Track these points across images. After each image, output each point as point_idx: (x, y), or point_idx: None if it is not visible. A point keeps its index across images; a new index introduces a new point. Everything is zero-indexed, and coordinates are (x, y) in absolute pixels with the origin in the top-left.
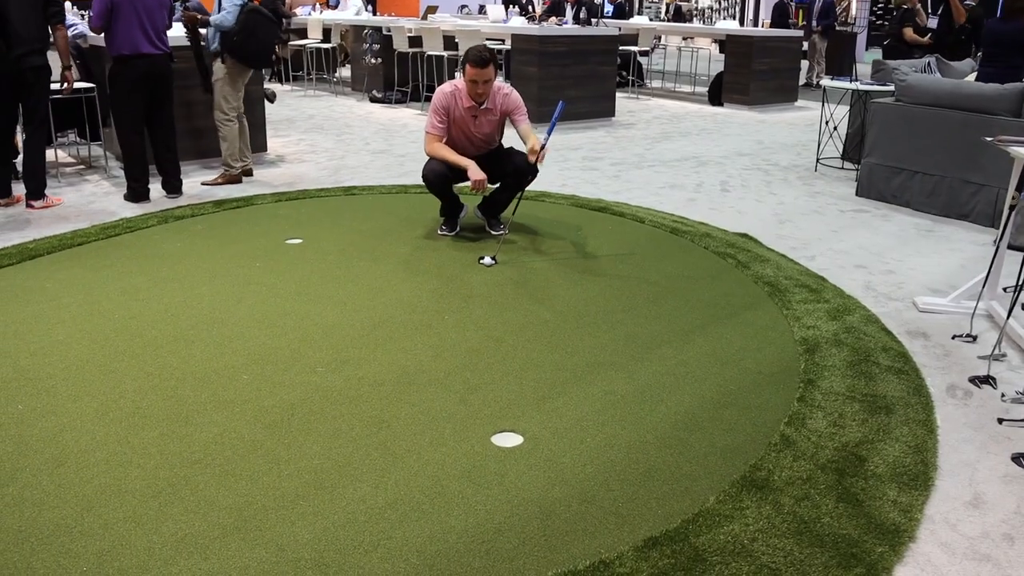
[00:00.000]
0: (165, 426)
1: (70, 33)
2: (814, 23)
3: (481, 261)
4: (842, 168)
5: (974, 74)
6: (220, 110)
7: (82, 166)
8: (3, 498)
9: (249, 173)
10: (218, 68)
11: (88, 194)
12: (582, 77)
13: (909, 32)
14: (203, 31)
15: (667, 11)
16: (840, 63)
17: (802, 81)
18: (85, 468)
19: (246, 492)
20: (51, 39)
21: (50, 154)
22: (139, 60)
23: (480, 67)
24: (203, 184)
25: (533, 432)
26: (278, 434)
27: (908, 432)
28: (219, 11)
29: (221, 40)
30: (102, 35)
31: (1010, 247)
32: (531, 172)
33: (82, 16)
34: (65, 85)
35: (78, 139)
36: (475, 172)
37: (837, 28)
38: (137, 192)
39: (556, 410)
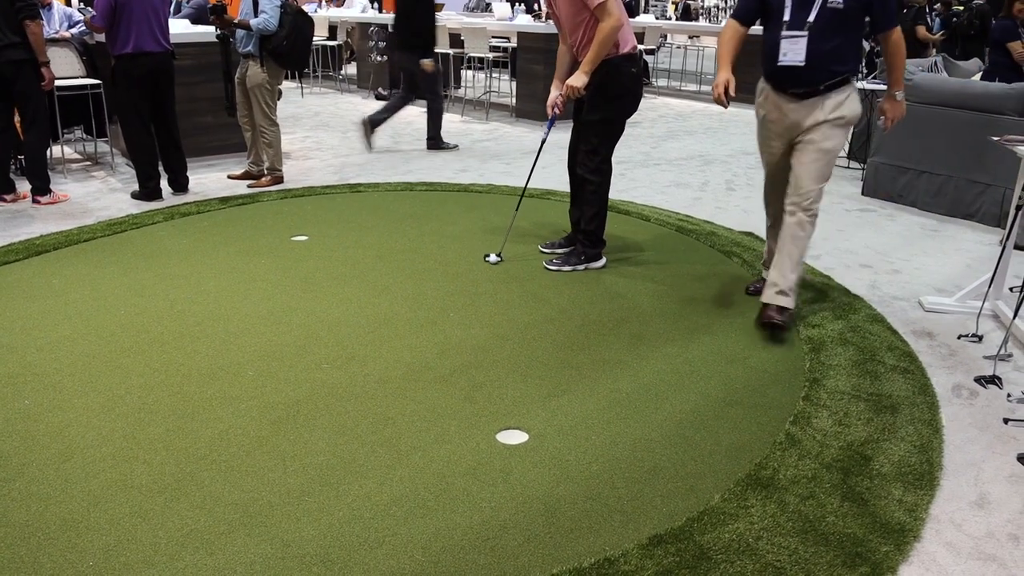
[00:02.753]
0: (171, 422)
1: (75, 31)
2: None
3: (487, 259)
4: (848, 167)
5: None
6: (266, 116)
7: (88, 162)
8: (10, 493)
9: (261, 175)
10: (255, 73)
11: (94, 190)
12: None
13: (922, 30)
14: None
15: (675, 9)
16: None
17: None
18: (91, 463)
19: (251, 488)
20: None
21: (56, 150)
22: (143, 58)
23: None
24: (249, 187)
25: (538, 430)
26: (283, 430)
27: (913, 431)
28: (254, 15)
29: (262, 43)
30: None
31: (1016, 247)
32: (579, 167)
33: (82, 13)
34: (44, 82)
35: (84, 135)
36: (551, 93)
37: None
38: (150, 191)
39: (561, 408)
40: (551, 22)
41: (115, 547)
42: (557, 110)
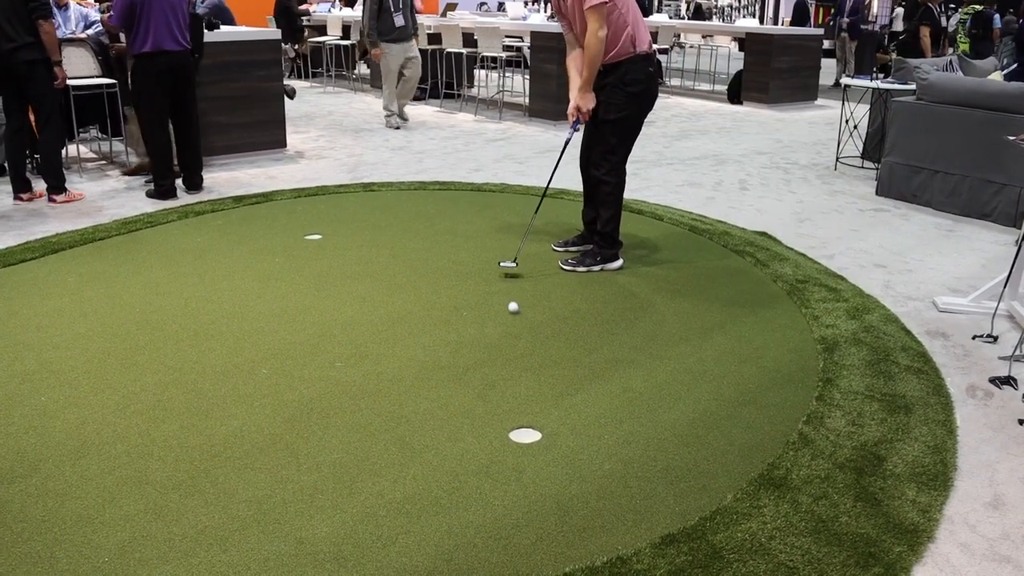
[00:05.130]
0: (185, 419)
1: (92, 31)
2: (844, 21)
3: (501, 265)
4: (862, 167)
5: (998, 72)
6: None
7: (103, 161)
8: (26, 488)
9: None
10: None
11: (109, 189)
12: None
13: (926, 32)
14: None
15: (688, 8)
16: (861, 61)
17: (832, 81)
18: (107, 460)
19: (265, 485)
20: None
21: (72, 149)
22: (162, 57)
23: None
24: (124, 173)
25: (551, 428)
26: (297, 428)
27: (927, 432)
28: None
29: None
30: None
31: None
32: (594, 168)
33: (102, 11)
34: (57, 81)
35: (99, 134)
36: (571, 101)
37: (861, 27)
38: (164, 190)
39: (574, 407)
40: (563, 23)
41: (130, 543)
42: (582, 119)
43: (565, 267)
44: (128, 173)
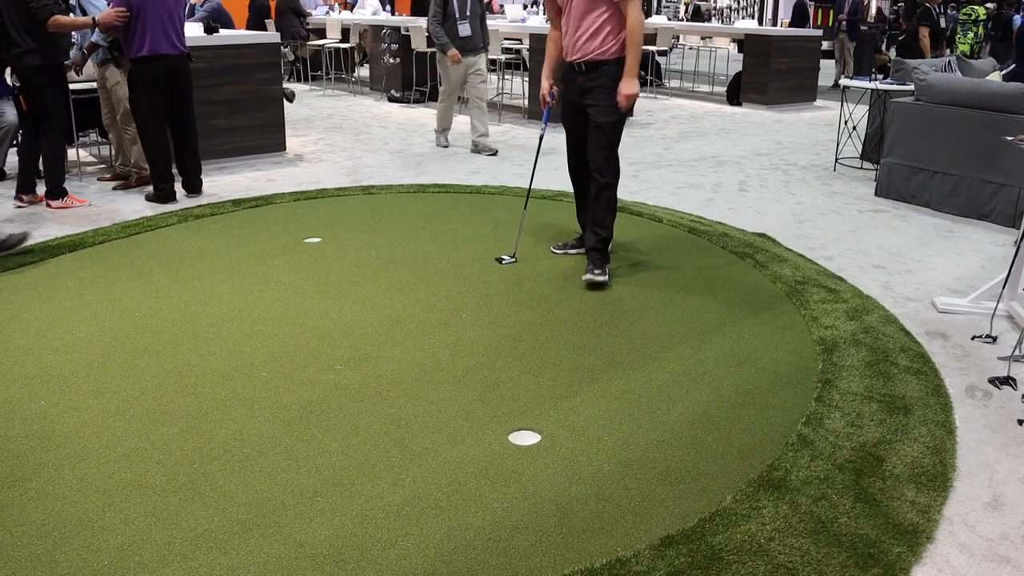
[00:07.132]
0: (185, 422)
1: (96, 37)
2: (843, 23)
3: (500, 261)
4: (861, 168)
5: (997, 73)
6: (128, 114)
7: (103, 165)
8: (26, 492)
9: (128, 176)
10: (112, 74)
11: (109, 193)
12: None
13: (925, 32)
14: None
15: (686, 10)
16: (859, 62)
17: (831, 82)
18: (106, 463)
19: (265, 488)
20: (69, 41)
21: (71, 153)
22: (158, 61)
23: None
24: (114, 188)
25: (550, 430)
26: (296, 431)
27: (926, 433)
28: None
29: (111, 48)
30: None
31: None
32: (599, 175)
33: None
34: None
35: (99, 138)
36: (543, 82)
37: (861, 28)
38: (164, 194)
39: (573, 409)
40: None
41: (130, 547)
42: (552, 101)
43: (594, 277)
44: (111, 178)
